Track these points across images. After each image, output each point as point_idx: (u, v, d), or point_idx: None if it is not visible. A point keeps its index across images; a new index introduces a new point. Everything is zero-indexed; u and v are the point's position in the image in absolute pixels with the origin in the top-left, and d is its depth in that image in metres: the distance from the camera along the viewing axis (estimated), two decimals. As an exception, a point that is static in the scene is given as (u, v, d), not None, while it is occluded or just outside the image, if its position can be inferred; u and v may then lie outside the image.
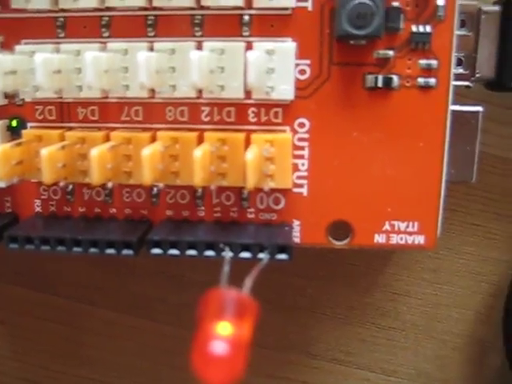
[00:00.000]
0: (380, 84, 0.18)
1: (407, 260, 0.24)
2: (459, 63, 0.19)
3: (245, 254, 0.17)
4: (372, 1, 0.16)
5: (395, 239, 0.19)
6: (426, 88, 0.18)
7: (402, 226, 0.19)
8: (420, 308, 0.24)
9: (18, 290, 0.25)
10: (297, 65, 0.18)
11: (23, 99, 0.19)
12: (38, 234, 0.18)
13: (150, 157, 0.17)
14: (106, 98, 0.19)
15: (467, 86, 0.19)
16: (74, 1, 0.17)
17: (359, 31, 0.17)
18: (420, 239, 0.19)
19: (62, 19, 0.18)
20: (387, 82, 0.18)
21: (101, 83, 0.17)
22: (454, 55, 0.18)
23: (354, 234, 0.19)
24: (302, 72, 0.18)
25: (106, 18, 0.18)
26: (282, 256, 0.17)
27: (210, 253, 0.18)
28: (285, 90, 0.18)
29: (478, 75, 0.19)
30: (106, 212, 0.20)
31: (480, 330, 0.24)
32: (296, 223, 0.19)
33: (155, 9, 0.18)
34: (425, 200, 0.19)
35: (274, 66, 0.18)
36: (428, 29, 0.18)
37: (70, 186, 0.19)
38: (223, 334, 0.12)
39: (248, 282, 0.14)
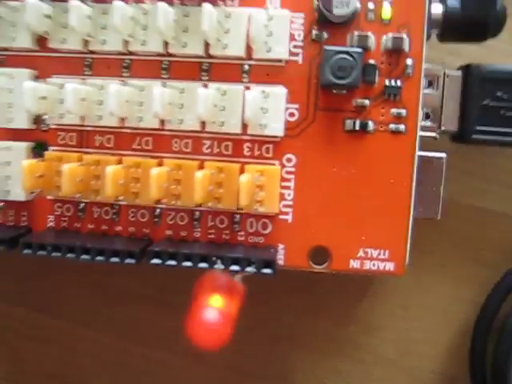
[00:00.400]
0: (357, 128, 0.21)
1: (381, 295, 0.26)
2: (427, 117, 0.22)
3: (234, 267, 0.20)
4: (351, 56, 0.19)
5: (368, 265, 0.21)
6: (396, 133, 0.21)
7: (375, 253, 0.21)
8: (392, 342, 0.26)
9: (17, 310, 0.27)
10: (287, 108, 0.21)
11: (48, 125, 0.22)
12: (50, 242, 0.20)
13: (157, 175, 0.19)
14: (122, 127, 0.21)
15: (434, 138, 0.22)
16: (102, 44, 0.21)
17: (340, 81, 0.20)
18: (390, 266, 0.21)
19: (89, 59, 0.21)
20: (363, 126, 0.21)
21: (121, 111, 0.20)
22: (423, 110, 0.21)
23: (331, 259, 0.21)
24: (292, 114, 0.21)
25: (128, 61, 0.21)
26: (267, 270, 0.20)
27: (203, 265, 0.20)
28: (276, 128, 0.21)
29: (443, 128, 0.22)
30: (112, 229, 0.22)
31: (450, 365, 0.26)
32: (281, 247, 0.21)
33: (170, 55, 0.21)
34: (395, 230, 0.21)
35: (268, 107, 0.20)
36: (398, 83, 0.21)
37: (82, 204, 0.22)
38: (215, 305, 0.14)
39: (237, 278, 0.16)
